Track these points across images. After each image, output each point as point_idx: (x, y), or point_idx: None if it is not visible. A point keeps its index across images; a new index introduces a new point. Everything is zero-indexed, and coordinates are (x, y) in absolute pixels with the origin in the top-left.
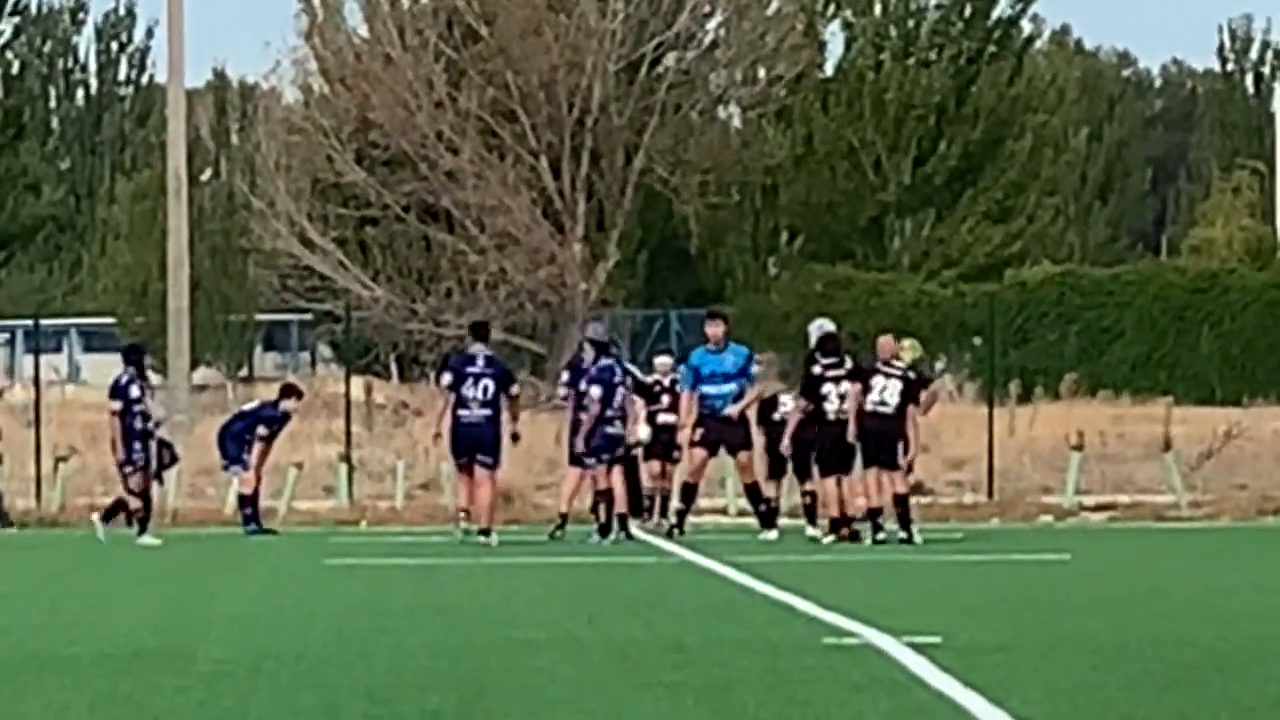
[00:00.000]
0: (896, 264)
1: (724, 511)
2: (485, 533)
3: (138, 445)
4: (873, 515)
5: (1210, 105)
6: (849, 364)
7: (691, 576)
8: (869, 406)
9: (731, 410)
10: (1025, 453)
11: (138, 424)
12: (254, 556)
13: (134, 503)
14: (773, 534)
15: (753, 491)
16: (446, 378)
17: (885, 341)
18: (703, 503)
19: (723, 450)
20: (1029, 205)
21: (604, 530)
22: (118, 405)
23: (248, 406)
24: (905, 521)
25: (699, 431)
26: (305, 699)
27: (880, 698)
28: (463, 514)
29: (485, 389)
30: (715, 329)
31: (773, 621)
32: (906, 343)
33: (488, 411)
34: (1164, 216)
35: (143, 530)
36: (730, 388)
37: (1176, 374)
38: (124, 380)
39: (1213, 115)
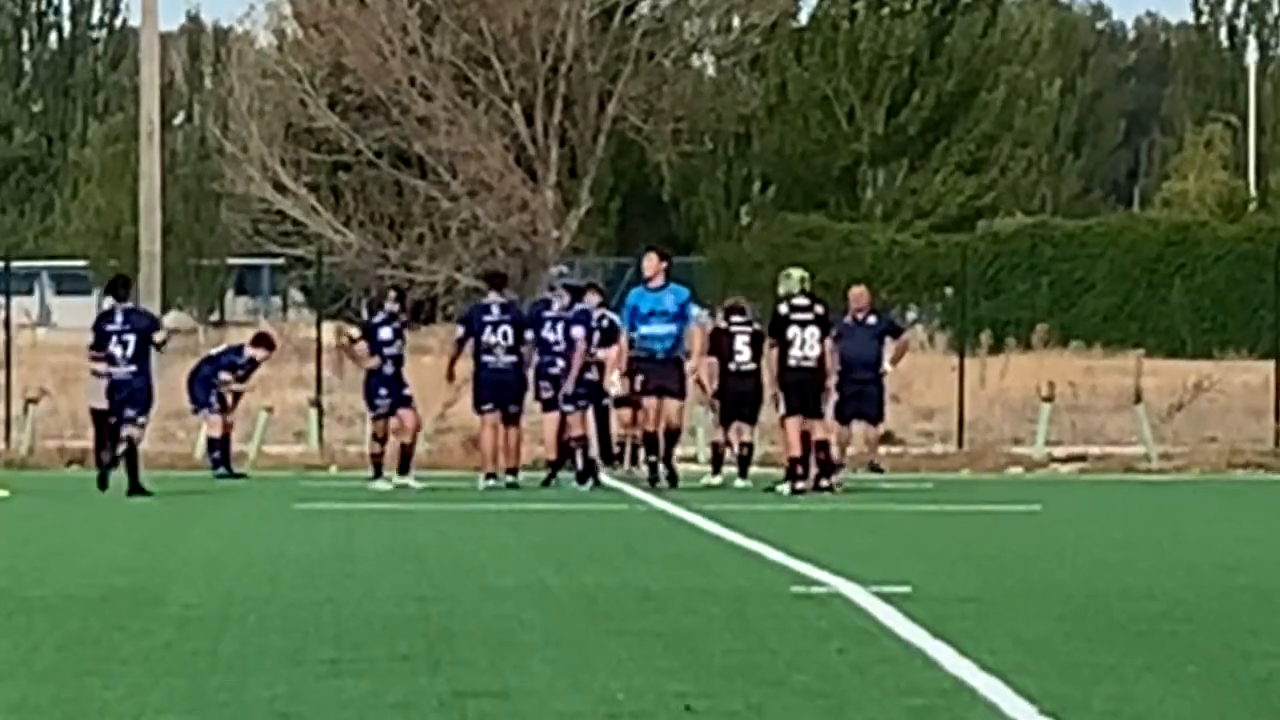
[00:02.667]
0: (869, 214)
1: (694, 459)
2: (513, 471)
3: (383, 391)
4: (793, 464)
5: (1184, 58)
6: (817, 312)
7: (661, 524)
8: (791, 361)
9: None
10: (996, 403)
11: (387, 368)
12: (224, 500)
13: (373, 446)
14: (716, 479)
15: (670, 438)
16: (460, 329)
17: (858, 292)
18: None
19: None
20: (1002, 156)
21: (582, 476)
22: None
23: (214, 351)
24: (826, 470)
25: (639, 379)
26: (273, 643)
27: (849, 647)
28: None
29: (505, 335)
30: (653, 262)
31: (742, 570)
32: (796, 273)
33: (512, 358)
34: (1137, 169)
35: (377, 475)
36: (670, 329)
37: (1148, 326)
38: (377, 319)
39: (1186, 68)
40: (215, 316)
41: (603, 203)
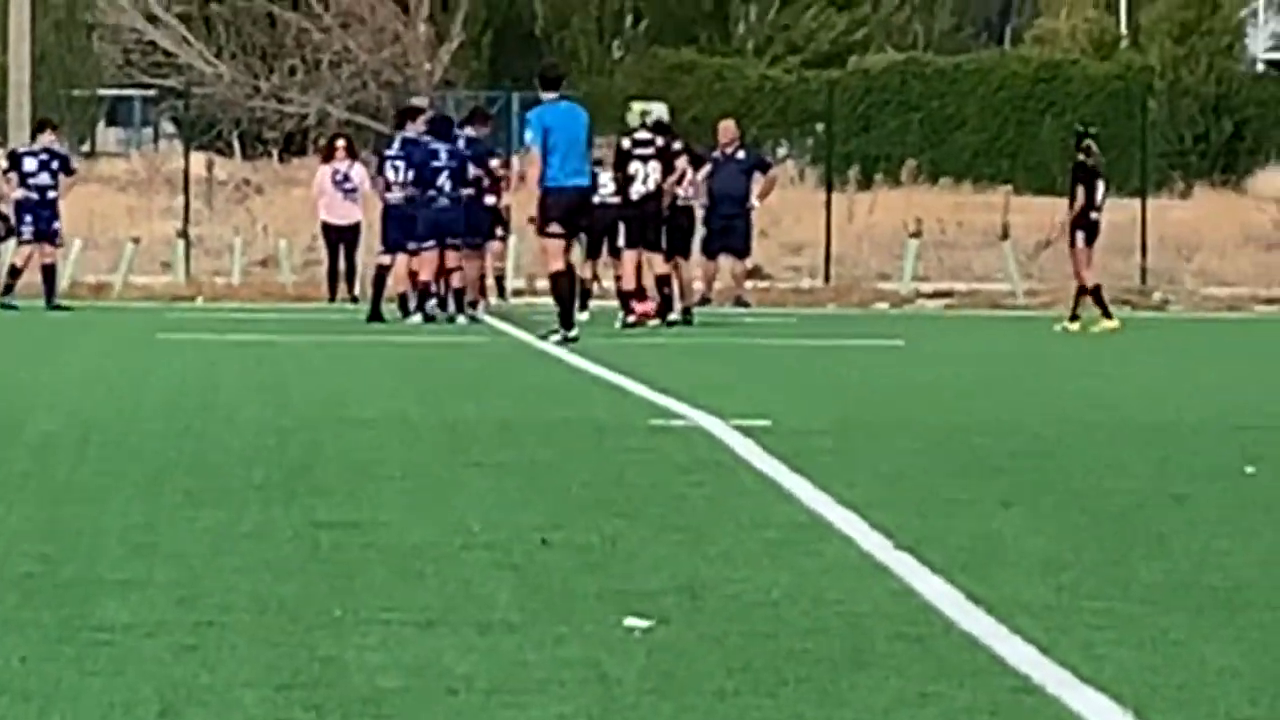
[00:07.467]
0: (740, 49)
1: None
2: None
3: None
4: (624, 298)
5: None
6: (676, 146)
7: (525, 357)
8: (633, 195)
9: None
10: (864, 239)
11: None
12: (87, 329)
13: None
14: (584, 315)
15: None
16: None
17: (726, 126)
18: (540, 284)
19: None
20: None
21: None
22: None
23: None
24: (668, 305)
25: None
26: (131, 471)
27: (705, 480)
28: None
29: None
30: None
31: (602, 403)
32: (655, 106)
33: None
34: (1009, 6)
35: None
36: None
37: (1018, 163)
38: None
39: None
40: (86, 147)
41: (475, 36)
